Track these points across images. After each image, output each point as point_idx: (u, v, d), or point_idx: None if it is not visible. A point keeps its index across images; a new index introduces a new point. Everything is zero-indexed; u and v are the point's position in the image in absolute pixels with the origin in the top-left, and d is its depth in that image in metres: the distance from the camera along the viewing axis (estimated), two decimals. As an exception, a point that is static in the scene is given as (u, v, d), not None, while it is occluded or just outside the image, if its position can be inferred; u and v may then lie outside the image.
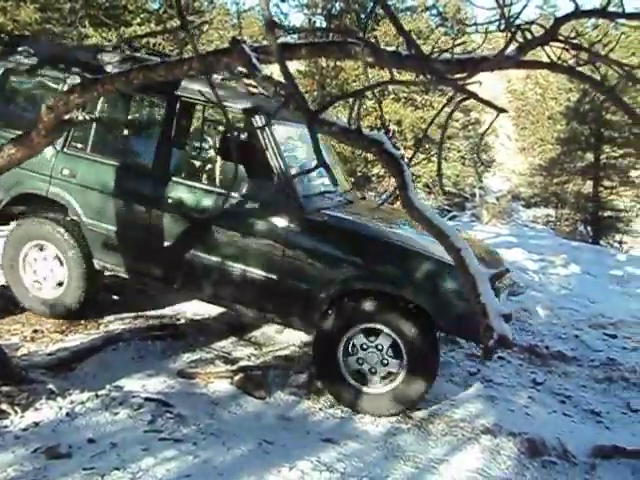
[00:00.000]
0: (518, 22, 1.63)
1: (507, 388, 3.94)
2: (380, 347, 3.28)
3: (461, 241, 1.61)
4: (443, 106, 1.73)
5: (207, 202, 3.61)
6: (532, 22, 1.60)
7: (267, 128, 3.37)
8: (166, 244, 3.67)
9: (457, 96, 1.63)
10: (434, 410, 3.48)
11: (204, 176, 4.38)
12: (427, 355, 3.26)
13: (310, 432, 3.04)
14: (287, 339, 4.20)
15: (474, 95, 1.45)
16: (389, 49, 1.59)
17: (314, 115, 1.44)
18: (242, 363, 3.68)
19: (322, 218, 3.47)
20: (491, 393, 3.86)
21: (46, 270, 3.94)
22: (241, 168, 3.33)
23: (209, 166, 4.54)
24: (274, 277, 3.43)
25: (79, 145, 3.89)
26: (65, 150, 3.85)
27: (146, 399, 2.99)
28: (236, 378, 3.43)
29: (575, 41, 1.72)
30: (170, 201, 3.63)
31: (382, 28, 15.15)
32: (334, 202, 3.83)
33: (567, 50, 1.63)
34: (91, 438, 2.59)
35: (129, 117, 4.61)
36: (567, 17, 1.70)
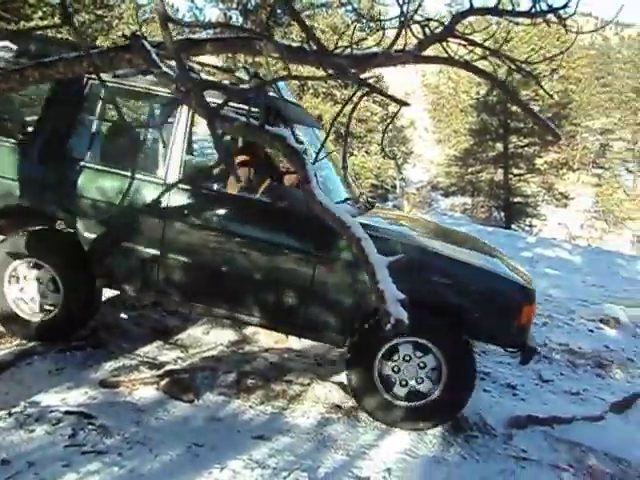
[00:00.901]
0: (419, 19, 1.70)
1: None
2: (422, 365, 3.22)
3: (361, 231, 1.67)
4: (345, 102, 1.77)
5: (239, 214, 3.44)
6: (430, 19, 1.67)
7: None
8: (189, 258, 3.41)
9: (362, 90, 1.68)
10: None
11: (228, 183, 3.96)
12: (464, 384, 3.25)
13: (241, 431, 3.02)
14: (214, 339, 4.14)
15: (375, 89, 1.49)
16: (294, 44, 1.61)
17: (214, 111, 1.43)
18: (168, 367, 3.58)
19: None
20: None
21: (35, 291, 3.58)
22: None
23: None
24: (317, 291, 3.29)
25: (78, 153, 3.53)
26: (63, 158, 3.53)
27: (66, 413, 2.85)
28: (162, 383, 3.34)
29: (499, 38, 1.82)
30: (188, 211, 3.38)
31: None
32: (358, 210, 3.70)
33: (464, 46, 1.72)
34: (5, 459, 2.43)
35: (132, 121, 4.39)
36: (463, 14, 1.79)
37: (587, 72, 37.99)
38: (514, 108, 16.28)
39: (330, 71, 1.46)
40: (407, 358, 3.22)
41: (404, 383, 3.25)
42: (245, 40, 1.63)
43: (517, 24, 2.20)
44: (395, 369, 3.24)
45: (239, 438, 2.94)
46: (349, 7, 20.46)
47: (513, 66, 1.83)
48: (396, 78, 26.00)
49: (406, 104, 1.50)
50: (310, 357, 4.13)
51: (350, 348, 3.32)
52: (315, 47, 1.46)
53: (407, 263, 2.85)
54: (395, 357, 3.23)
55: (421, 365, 3.22)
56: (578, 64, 35.85)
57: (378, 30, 2.04)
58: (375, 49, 1.74)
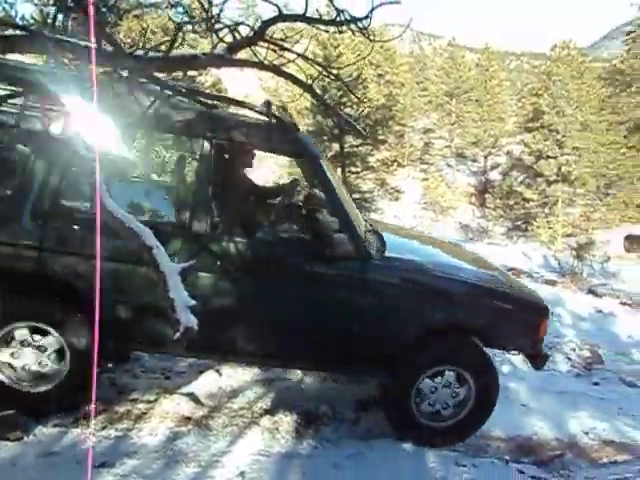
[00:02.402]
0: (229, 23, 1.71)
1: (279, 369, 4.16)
2: (454, 394, 3.39)
3: (153, 240, 1.66)
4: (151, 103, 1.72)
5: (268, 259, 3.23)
6: (240, 23, 1.70)
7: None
8: (222, 308, 3.11)
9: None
10: (212, 406, 3.51)
11: (257, 227, 3.55)
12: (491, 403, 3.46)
13: (80, 461, 2.77)
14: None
15: (183, 92, 1.47)
16: (81, 44, 1.51)
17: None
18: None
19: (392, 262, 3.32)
20: (268, 375, 4.07)
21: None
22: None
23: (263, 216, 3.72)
24: (354, 327, 3.21)
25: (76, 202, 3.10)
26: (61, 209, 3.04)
27: None
28: (-19, 425, 2.94)
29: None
30: (215, 259, 3.10)
31: (126, 23, 14.38)
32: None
33: (274, 51, 1.77)
34: None
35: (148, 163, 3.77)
36: (272, 20, 1.85)
37: (408, 77, 41.75)
38: (347, 110, 17.27)
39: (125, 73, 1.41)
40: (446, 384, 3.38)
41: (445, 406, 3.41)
42: (29, 38, 1.49)
43: (341, 32, 2.32)
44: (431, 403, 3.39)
45: (78, 470, 2.70)
46: (179, 8, 19.90)
47: (324, 71, 1.93)
48: (233, 82, 25.98)
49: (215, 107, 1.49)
50: (157, 371, 3.95)
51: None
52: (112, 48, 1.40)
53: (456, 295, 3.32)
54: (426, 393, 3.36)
55: (453, 394, 3.40)
56: (400, 70, 39.26)
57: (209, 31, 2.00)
58: (191, 51, 1.72)
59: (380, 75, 37.96)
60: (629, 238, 19.99)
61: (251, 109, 3.12)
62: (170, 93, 1.95)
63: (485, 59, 44.73)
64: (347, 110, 16.43)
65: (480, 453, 3.44)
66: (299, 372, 4.16)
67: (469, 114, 38.18)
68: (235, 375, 3.99)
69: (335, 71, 2.10)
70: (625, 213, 18.54)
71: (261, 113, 3.17)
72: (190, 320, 1.61)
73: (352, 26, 1.95)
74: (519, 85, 53.53)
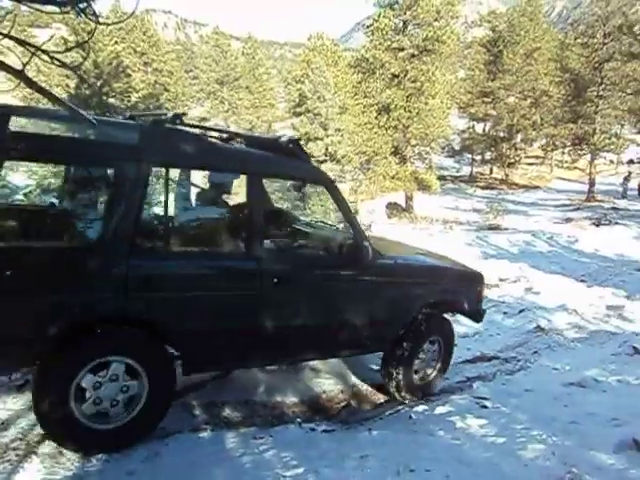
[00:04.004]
0: None
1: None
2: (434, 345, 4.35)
3: None
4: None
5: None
6: None
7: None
8: (270, 322, 3.44)
9: None
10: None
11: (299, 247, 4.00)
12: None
13: None
14: None
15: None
16: None
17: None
18: None
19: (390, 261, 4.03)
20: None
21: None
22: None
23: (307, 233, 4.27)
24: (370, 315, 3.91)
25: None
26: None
27: None
28: None
29: None
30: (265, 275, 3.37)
31: None
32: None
33: None
34: None
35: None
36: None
37: (177, 65, 40.77)
38: (110, 100, 16.08)
39: None
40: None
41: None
42: None
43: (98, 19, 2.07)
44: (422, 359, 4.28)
45: None
46: None
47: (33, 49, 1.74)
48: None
49: None
50: None
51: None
52: None
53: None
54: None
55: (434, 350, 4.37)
56: (167, 58, 38.06)
57: None
58: None
59: (146, 63, 36.32)
60: (389, 206, 22.96)
61: (278, 147, 3.63)
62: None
63: (250, 47, 46.05)
64: (111, 100, 15.31)
65: (276, 422, 3.62)
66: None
67: (241, 101, 39.10)
68: (3, 405, 3.48)
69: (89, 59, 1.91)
70: (383, 184, 21.16)
71: (288, 150, 3.64)
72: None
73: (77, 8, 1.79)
74: (285, 73, 56.53)
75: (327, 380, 4.43)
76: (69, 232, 3.15)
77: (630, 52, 21.51)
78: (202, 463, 2.99)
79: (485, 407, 3.97)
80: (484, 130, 34.70)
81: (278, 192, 6.10)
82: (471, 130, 34.56)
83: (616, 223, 17.12)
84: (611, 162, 34.00)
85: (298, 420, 3.61)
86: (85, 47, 13.73)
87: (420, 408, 4.05)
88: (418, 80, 20.91)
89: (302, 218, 4.75)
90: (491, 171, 35.76)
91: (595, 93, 25.46)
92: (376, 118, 21.39)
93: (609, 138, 25.79)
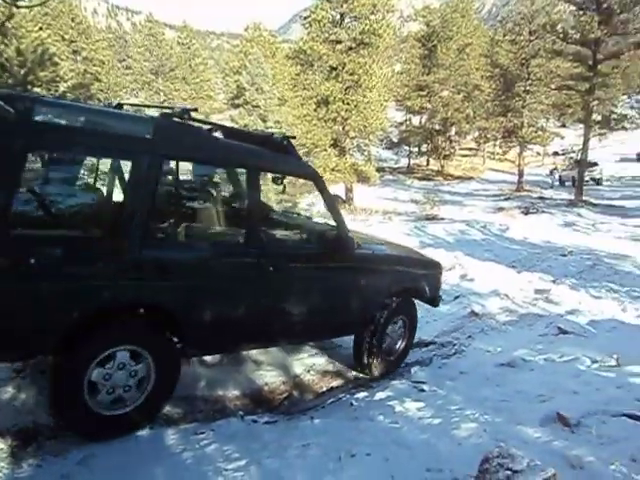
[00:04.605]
0: None
1: None
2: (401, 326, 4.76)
3: None
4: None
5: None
6: None
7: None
8: (273, 305, 3.73)
9: None
10: None
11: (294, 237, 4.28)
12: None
13: None
14: None
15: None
16: None
17: None
18: None
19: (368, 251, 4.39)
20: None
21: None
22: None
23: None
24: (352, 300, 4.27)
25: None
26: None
27: None
28: None
29: None
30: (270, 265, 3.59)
31: None
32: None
33: None
34: None
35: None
36: None
37: (108, 54, 39.08)
38: (36, 89, 15.21)
39: None
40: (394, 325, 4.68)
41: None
42: None
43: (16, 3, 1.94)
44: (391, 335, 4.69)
45: None
46: None
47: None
48: None
49: None
50: None
51: None
52: None
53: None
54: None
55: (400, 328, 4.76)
56: (98, 46, 36.40)
57: None
58: None
59: (75, 52, 34.58)
60: (331, 198, 23.07)
61: (271, 142, 3.83)
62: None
63: (186, 37, 44.86)
64: (37, 90, 14.50)
65: (218, 416, 3.59)
66: (10, 390, 3.63)
67: (178, 92, 38.07)
68: None
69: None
70: (324, 176, 21.27)
71: (280, 146, 3.84)
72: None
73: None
74: (222, 64, 55.51)
75: (269, 372, 4.43)
76: (89, 221, 3.19)
77: (553, 49, 22.61)
78: (140, 463, 2.93)
79: (423, 391, 4.11)
80: (420, 123, 35.55)
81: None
82: (408, 123, 35.38)
83: (543, 212, 18.09)
84: (538, 154, 35.77)
85: (240, 413, 3.60)
86: (5, 32, 12.88)
87: (361, 395, 4.13)
88: (356, 73, 21.13)
89: (290, 211, 5.43)
90: (428, 163, 36.76)
91: (522, 88, 26.70)
92: (315, 110, 21.46)
93: (536, 131, 27.18)
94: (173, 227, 3.47)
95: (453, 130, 35.36)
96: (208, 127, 3.98)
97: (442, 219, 17.70)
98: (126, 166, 3.24)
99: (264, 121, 18.15)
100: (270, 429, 3.42)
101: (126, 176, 3.24)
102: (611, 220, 16.67)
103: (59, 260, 2.78)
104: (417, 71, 33.45)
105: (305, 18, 22.04)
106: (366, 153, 24.01)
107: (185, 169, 4.33)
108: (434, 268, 5.14)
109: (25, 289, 2.71)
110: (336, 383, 4.50)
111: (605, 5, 19.87)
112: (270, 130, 17.89)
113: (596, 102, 21.58)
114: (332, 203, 4.09)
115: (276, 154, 3.81)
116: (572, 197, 21.58)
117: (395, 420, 3.48)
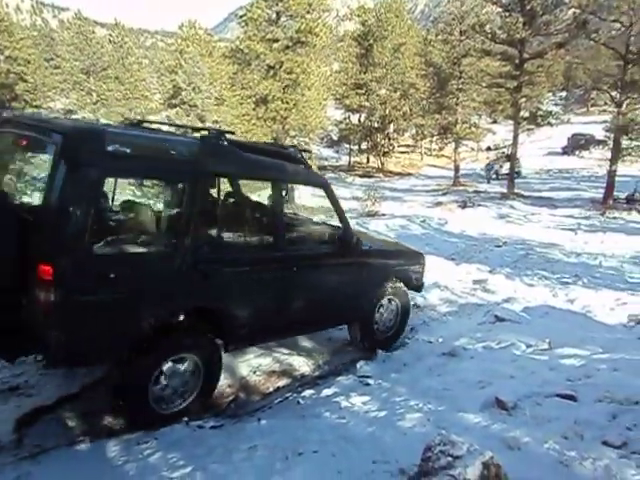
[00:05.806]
0: None
1: None
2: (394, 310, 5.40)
3: None
4: None
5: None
6: None
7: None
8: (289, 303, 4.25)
9: None
10: None
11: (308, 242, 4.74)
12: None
13: None
14: None
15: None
16: None
17: None
18: None
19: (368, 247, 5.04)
20: None
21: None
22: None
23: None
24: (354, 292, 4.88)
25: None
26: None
27: None
28: None
29: None
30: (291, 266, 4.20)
31: None
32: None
33: None
34: None
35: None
36: None
37: (34, 53, 37.09)
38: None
39: None
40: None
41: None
42: None
43: None
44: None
45: None
46: None
47: None
48: None
49: None
50: None
51: None
52: None
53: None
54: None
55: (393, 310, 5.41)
56: (23, 45, 34.46)
57: None
58: None
59: (-3, 50, 32.56)
60: (273, 198, 22.98)
61: (288, 157, 4.45)
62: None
63: (118, 35, 43.28)
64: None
65: (159, 426, 3.49)
66: None
67: (111, 92, 36.64)
68: None
69: None
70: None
71: (297, 159, 4.51)
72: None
73: None
74: (157, 63, 53.96)
75: (215, 376, 4.35)
76: (158, 237, 3.62)
77: (483, 49, 23.45)
78: (80, 477, 2.81)
79: (368, 385, 4.18)
80: (359, 121, 36.00)
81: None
82: (347, 121, 35.71)
83: (479, 205, 18.75)
84: (472, 149, 37.09)
85: (185, 419, 3.52)
86: None
87: (307, 393, 4.15)
88: (294, 72, 21.14)
89: (303, 215, 6.08)
90: (368, 160, 37.30)
91: (455, 86, 27.54)
92: (254, 110, 21.30)
93: (469, 127, 28.14)
94: (223, 237, 3.87)
95: (391, 127, 36.04)
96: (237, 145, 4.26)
97: (383, 215, 17.98)
98: (181, 184, 3.65)
99: (202, 121, 17.83)
100: (216, 433, 3.37)
101: (183, 194, 3.60)
102: (541, 211, 17.51)
103: (135, 273, 3.19)
104: (354, 70, 33.83)
105: (241, 17, 21.83)
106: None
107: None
108: (418, 258, 5.80)
109: (107, 300, 3.08)
110: (283, 382, 4.49)
111: (528, 7, 20.80)
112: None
113: (523, 99, 22.59)
114: (340, 208, 4.67)
115: (294, 166, 4.39)
116: (505, 190, 22.50)
117: (342, 415, 3.52)
